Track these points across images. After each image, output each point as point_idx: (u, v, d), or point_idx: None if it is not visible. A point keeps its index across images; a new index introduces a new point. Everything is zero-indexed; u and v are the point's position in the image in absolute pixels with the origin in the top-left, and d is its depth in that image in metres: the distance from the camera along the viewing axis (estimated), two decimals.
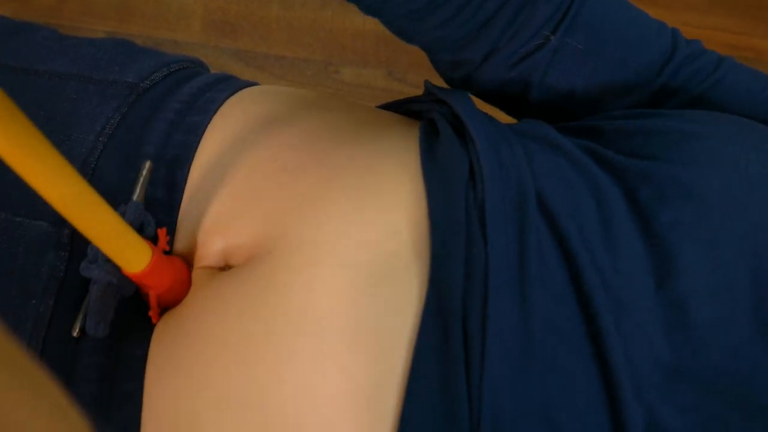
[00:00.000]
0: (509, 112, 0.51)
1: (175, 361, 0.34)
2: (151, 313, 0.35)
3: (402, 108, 0.48)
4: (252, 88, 0.46)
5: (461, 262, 0.32)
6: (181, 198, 0.39)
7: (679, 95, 0.43)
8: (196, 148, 0.40)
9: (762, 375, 0.30)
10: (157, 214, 0.38)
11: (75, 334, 0.35)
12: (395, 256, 0.33)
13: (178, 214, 0.38)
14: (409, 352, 0.31)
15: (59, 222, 0.38)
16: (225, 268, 0.38)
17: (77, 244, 0.37)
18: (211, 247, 0.37)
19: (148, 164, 0.37)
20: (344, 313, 0.31)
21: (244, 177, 0.38)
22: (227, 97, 0.43)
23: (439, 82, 0.47)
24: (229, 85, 0.45)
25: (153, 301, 0.35)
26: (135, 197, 0.36)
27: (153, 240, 0.37)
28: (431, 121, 0.41)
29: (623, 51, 0.42)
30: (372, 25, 1.01)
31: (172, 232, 0.38)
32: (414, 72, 1.01)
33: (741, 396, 0.30)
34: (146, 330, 0.36)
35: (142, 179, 0.37)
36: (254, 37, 1.04)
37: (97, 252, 0.35)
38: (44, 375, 0.15)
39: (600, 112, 0.44)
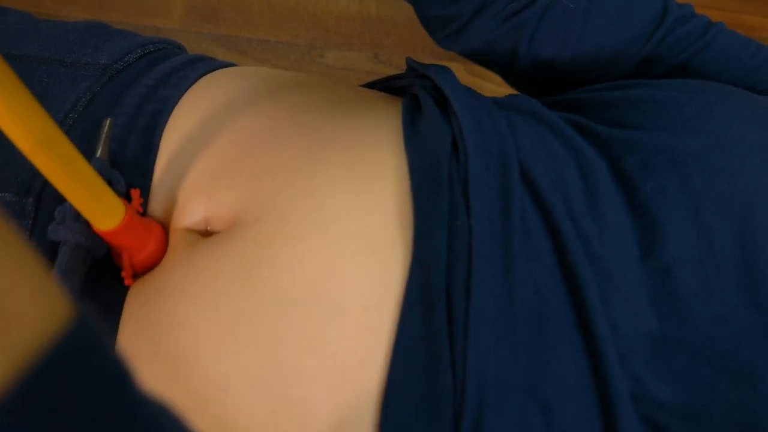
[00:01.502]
0: (500, 74, 0.50)
1: (156, 342, 0.32)
2: (123, 274, 0.34)
3: (385, 85, 0.47)
4: (230, 67, 0.45)
5: (444, 235, 0.32)
6: (155, 161, 0.37)
7: (667, 59, 0.43)
8: (170, 113, 0.39)
9: (749, 341, 0.30)
10: (130, 176, 0.37)
11: None
12: (381, 229, 0.32)
13: (152, 177, 0.37)
14: (395, 326, 0.30)
15: (22, 192, 0.37)
16: (205, 232, 0.36)
17: (42, 213, 0.36)
18: (191, 209, 0.36)
19: (108, 121, 0.36)
20: (332, 287, 0.31)
21: (227, 144, 0.37)
22: (203, 74, 0.42)
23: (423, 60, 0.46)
24: (205, 65, 0.44)
25: (126, 261, 0.34)
26: (98, 154, 0.35)
27: (124, 198, 0.35)
28: (414, 96, 0.40)
29: (614, 12, 0.42)
30: (356, 7, 1.00)
31: (146, 195, 0.37)
32: (399, 54, 1.00)
33: (728, 362, 0.30)
34: (117, 300, 0.35)
35: (103, 135, 0.36)
36: (236, 21, 1.03)
37: (65, 213, 0.33)
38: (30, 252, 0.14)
39: (586, 83, 0.43)
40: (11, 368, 0.13)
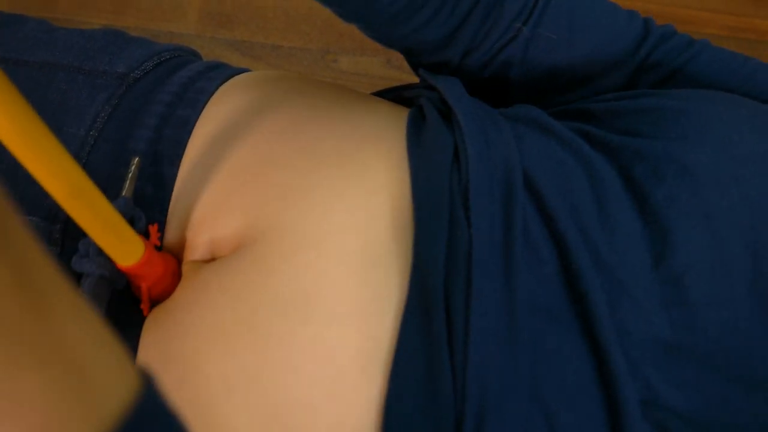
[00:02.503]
0: (496, 105, 0.51)
1: (165, 351, 0.34)
2: (142, 306, 0.35)
3: (395, 94, 0.48)
4: (242, 75, 0.45)
5: (443, 244, 0.32)
6: (171, 194, 0.38)
7: (656, 71, 0.43)
8: (186, 144, 0.40)
9: (760, 350, 0.30)
10: (148, 210, 0.38)
11: None
12: (379, 241, 0.33)
13: (167, 210, 0.38)
14: (395, 334, 0.31)
15: (50, 218, 0.38)
16: (211, 261, 0.38)
17: (68, 241, 0.37)
18: (198, 240, 0.37)
19: (136, 160, 0.37)
20: (331, 298, 0.32)
21: (229, 170, 0.38)
22: (218, 87, 0.43)
23: None
24: (220, 73, 0.45)
25: (144, 293, 0.35)
26: (124, 192, 0.36)
27: (143, 234, 0.36)
28: (420, 107, 0.41)
29: (596, 38, 0.43)
30: None
31: (162, 229, 0.38)
32: None
33: (740, 371, 0.30)
34: (136, 325, 0.36)
35: (130, 175, 0.36)
36: (250, 26, 1.03)
37: (89, 246, 0.34)
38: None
39: (584, 93, 0.44)
40: None
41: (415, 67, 0.48)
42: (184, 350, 0.33)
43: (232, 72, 0.46)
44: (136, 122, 0.41)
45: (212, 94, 0.43)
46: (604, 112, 0.39)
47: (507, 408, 0.29)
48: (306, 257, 0.33)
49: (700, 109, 0.36)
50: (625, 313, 0.31)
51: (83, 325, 0.15)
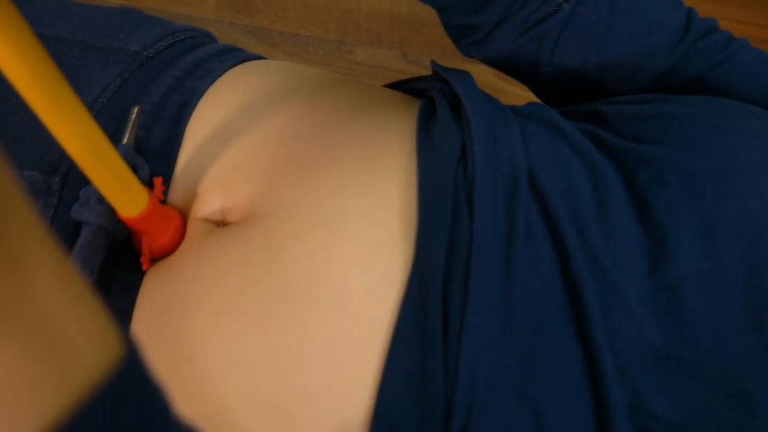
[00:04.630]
0: (522, 82, 0.50)
1: (165, 323, 0.33)
2: (142, 260, 0.35)
3: (406, 86, 0.47)
4: (258, 61, 0.45)
5: (445, 238, 0.32)
6: (179, 150, 0.38)
7: (687, 71, 0.43)
8: (195, 105, 0.40)
9: (750, 363, 0.30)
10: (153, 164, 0.38)
11: None
12: (385, 229, 0.33)
13: (174, 166, 0.38)
14: (393, 323, 0.31)
15: (49, 171, 0.38)
16: (221, 223, 0.37)
17: (66, 193, 0.37)
18: (209, 200, 0.37)
19: (137, 109, 0.37)
20: (334, 282, 0.32)
21: (247, 139, 0.38)
22: (230, 67, 0.43)
23: (448, 63, 0.46)
24: (234, 56, 0.45)
25: (145, 247, 0.35)
26: (124, 140, 0.36)
27: (147, 185, 0.36)
28: (431, 100, 0.41)
29: (637, 24, 0.42)
30: (387, 5, 1.00)
31: (167, 184, 0.38)
32: (428, 54, 1.00)
33: (728, 382, 0.30)
34: (135, 280, 0.35)
35: (131, 123, 0.36)
36: (269, 14, 1.04)
37: (90, 195, 0.34)
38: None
39: (608, 93, 0.44)
40: (69, 402, 0.13)
41: (448, 29, 0.47)
42: (186, 327, 0.32)
43: (247, 57, 0.46)
44: (145, 92, 0.41)
45: (225, 71, 0.42)
46: (614, 115, 0.39)
47: (496, 404, 0.29)
48: (317, 238, 0.33)
49: (709, 117, 0.36)
50: (617, 317, 0.31)
51: (64, 288, 0.14)
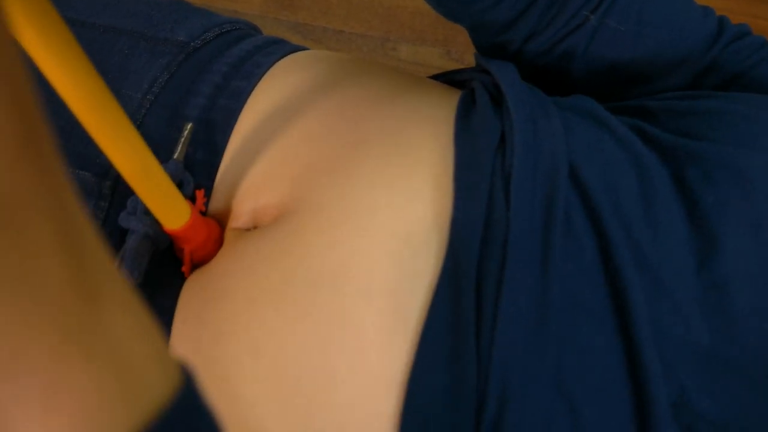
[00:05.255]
0: (552, 95, 0.50)
1: (201, 313, 0.34)
2: (183, 269, 0.36)
3: (447, 78, 0.47)
4: (299, 53, 0.46)
5: (480, 227, 0.32)
6: (220, 162, 0.39)
7: (724, 70, 0.42)
8: (239, 114, 0.40)
9: None
10: (197, 176, 0.38)
11: None
12: (417, 220, 0.33)
13: (215, 177, 0.39)
14: (424, 313, 0.31)
15: (102, 174, 0.39)
16: (253, 229, 0.38)
17: (117, 197, 0.38)
18: (242, 209, 0.38)
19: (189, 126, 0.38)
20: (361, 272, 0.32)
21: (278, 143, 0.38)
22: (274, 62, 0.43)
23: None
24: (278, 48, 0.45)
25: (187, 256, 0.36)
26: (176, 156, 0.36)
27: (190, 199, 0.37)
28: (472, 91, 0.40)
29: (665, 34, 0.42)
30: None
31: (208, 195, 0.39)
32: (471, 52, 0.98)
33: None
34: (177, 284, 0.36)
35: (183, 139, 0.37)
36: (313, 10, 1.04)
37: (137, 205, 0.35)
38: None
39: (645, 90, 0.43)
40: (134, 426, 0.14)
41: (479, 47, 0.48)
42: (218, 314, 0.33)
43: (291, 49, 0.46)
44: (192, 90, 0.41)
45: (269, 68, 0.43)
46: (662, 111, 0.38)
47: (530, 396, 0.29)
48: (340, 232, 0.33)
49: (760, 114, 0.35)
50: (663, 314, 0.31)
51: (132, 315, 0.15)
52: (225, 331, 0.33)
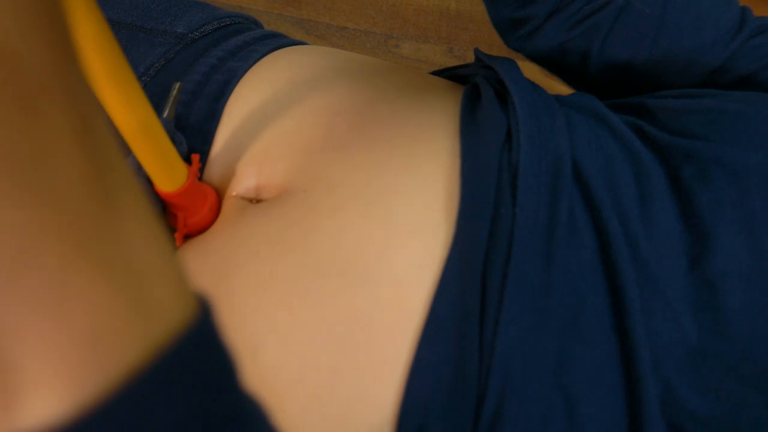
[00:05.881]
0: (566, 80, 0.49)
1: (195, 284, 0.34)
2: (176, 235, 0.35)
3: (451, 73, 0.47)
4: (300, 45, 0.46)
5: (487, 221, 0.32)
6: (217, 128, 0.39)
7: (738, 68, 0.42)
8: (236, 83, 0.40)
9: None
10: (192, 141, 0.38)
11: None
12: (425, 209, 0.33)
13: (212, 144, 0.39)
14: (428, 305, 0.30)
15: None
16: (255, 200, 0.38)
17: None
18: (245, 178, 0.37)
19: (178, 85, 0.38)
20: (369, 260, 0.31)
21: (285, 117, 0.38)
22: (273, 50, 0.43)
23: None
24: (277, 41, 0.46)
25: (180, 223, 0.35)
26: (165, 114, 0.36)
27: (184, 160, 0.37)
28: (476, 86, 0.40)
29: (690, 18, 0.41)
30: (436, 0, 0.99)
31: (204, 160, 0.38)
32: (473, 50, 0.99)
33: (763, 382, 0.29)
34: None
35: (171, 98, 0.37)
36: (318, 7, 1.04)
37: (130, 165, 0.35)
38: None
39: (655, 89, 0.43)
40: (148, 349, 0.13)
41: (498, 23, 0.47)
42: (217, 299, 0.33)
43: (290, 42, 0.46)
44: (188, 71, 0.42)
45: (266, 54, 0.43)
46: (660, 109, 0.38)
47: (529, 390, 0.29)
48: (354, 215, 0.33)
49: (759, 113, 0.35)
50: (655, 311, 0.31)
51: (151, 234, 0.14)
52: (224, 321, 0.32)
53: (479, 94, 0.39)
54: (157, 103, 0.40)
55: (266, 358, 0.31)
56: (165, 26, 0.45)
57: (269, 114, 0.39)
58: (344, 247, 0.32)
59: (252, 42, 0.45)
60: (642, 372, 0.29)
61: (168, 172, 0.33)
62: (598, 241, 0.32)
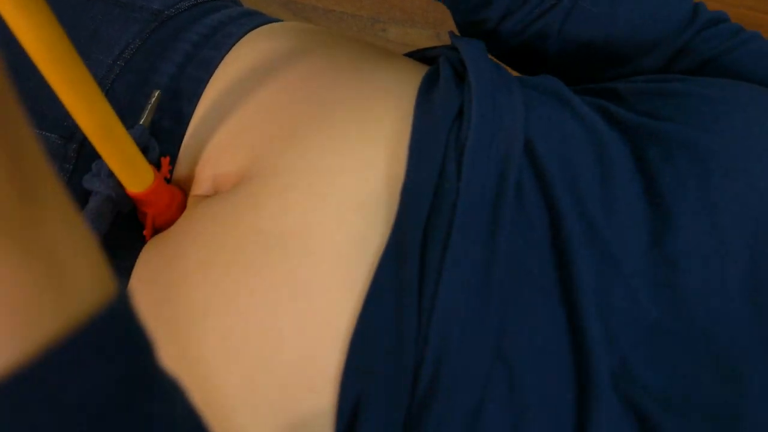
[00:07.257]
0: (531, 74, 0.50)
1: (155, 272, 0.35)
2: (145, 232, 0.36)
3: (421, 54, 0.48)
4: (272, 24, 0.46)
5: (429, 195, 0.33)
6: (186, 130, 0.39)
7: (696, 54, 0.43)
8: (206, 83, 0.41)
9: (743, 342, 0.30)
10: (163, 143, 0.39)
11: None
12: (369, 187, 0.34)
13: (180, 145, 0.39)
14: (369, 276, 0.31)
15: (68, 137, 0.39)
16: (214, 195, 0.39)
17: (82, 161, 0.39)
18: (203, 176, 0.39)
19: (157, 93, 0.38)
20: (311, 235, 0.32)
21: (240, 113, 0.39)
22: (246, 33, 0.44)
23: None
24: (252, 20, 0.46)
25: (149, 220, 0.36)
26: (141, 121, 0.37)
27: (155, 165, 0.38)
28: (438, 66, 0.41)
29: (639, 16, 0.42)
30: None
31: (173, 162, 0.39)
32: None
33: (719, 360, 0.30)
34: (137, 247, 0.37)
35: (150, 106, 0.38)
36: None
37: (101, 167, 0.36)
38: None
39: (619, 72, 0.44)
40: (62, 325, 0.15)
41: (457, 22, 0.49)
42: (172, 274, 0.34)
43: (264, 20, 0.47)
44: (163, 57, 0.42)
45: (239, 39, 0.43)
46: (630, 93, 0.39)
47: (467, 359, 0.29)
48: (296, 195, 0.34)
49: (726, 97, 0.36)
50: (612, 287, 0.31)
51: (70, 226, 0.16)
52: (176, 292, 0.33)
53: (439, 73, 0.40)
54: (132, 97, 0.40)
55: (214, 323, 0.32)
56: (142, 2, 0.45)
57: (229, 111, 0.39)
58: (288, 223, 0.33)
59: (227, 22, 0.45)
60: (591, 345, 0.29)
61: (134, 174, 0.34)
62: (549, 218, 0.33)
